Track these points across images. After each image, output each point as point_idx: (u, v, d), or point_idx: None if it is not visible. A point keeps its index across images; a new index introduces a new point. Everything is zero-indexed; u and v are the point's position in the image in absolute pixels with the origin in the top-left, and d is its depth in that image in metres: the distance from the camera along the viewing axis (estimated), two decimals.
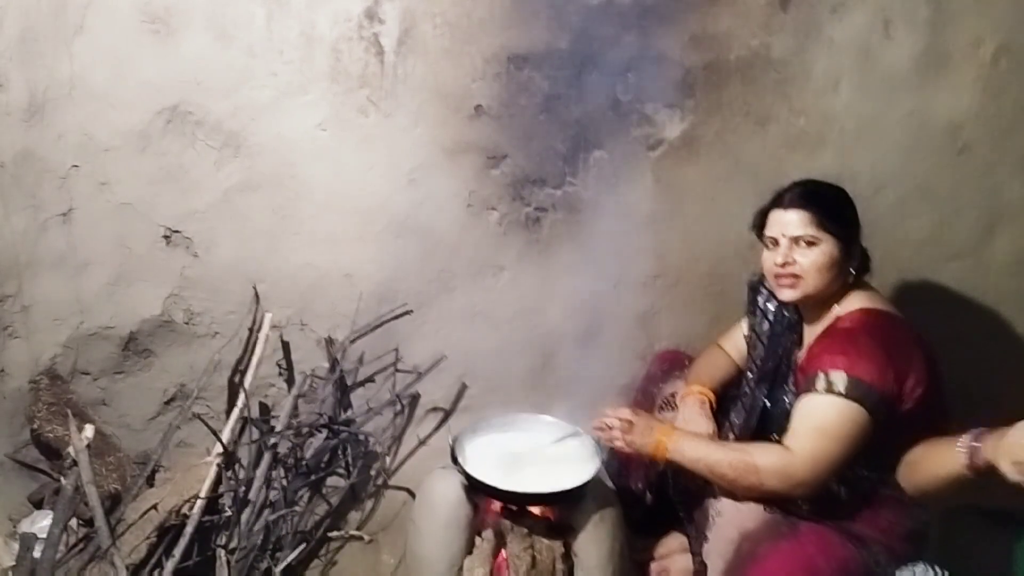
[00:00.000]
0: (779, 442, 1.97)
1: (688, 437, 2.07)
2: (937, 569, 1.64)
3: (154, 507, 2.19)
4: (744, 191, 2.50)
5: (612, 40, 2.44)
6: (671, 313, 2.69)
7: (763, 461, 1.91)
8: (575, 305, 2.66)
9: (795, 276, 2.01)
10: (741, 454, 1.95)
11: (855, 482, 1.99)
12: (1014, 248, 2.72)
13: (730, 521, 2.07)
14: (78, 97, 2.38)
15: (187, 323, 2.59)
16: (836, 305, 2.05)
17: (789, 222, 2.01)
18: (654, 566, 2.44)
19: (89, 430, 2.28)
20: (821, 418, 1.89)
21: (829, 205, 2.02)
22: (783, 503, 2.06)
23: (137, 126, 2.42)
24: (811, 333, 2.11)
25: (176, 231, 2.52)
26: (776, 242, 2.04)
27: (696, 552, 2.12)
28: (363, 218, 2.55)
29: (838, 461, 1.89)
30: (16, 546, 2.28)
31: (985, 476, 1.50)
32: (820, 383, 1.89)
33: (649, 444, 2.07)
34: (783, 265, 2.01)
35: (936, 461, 1.63)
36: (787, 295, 2.05)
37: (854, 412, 1.86)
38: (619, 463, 2.48)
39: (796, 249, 2.00)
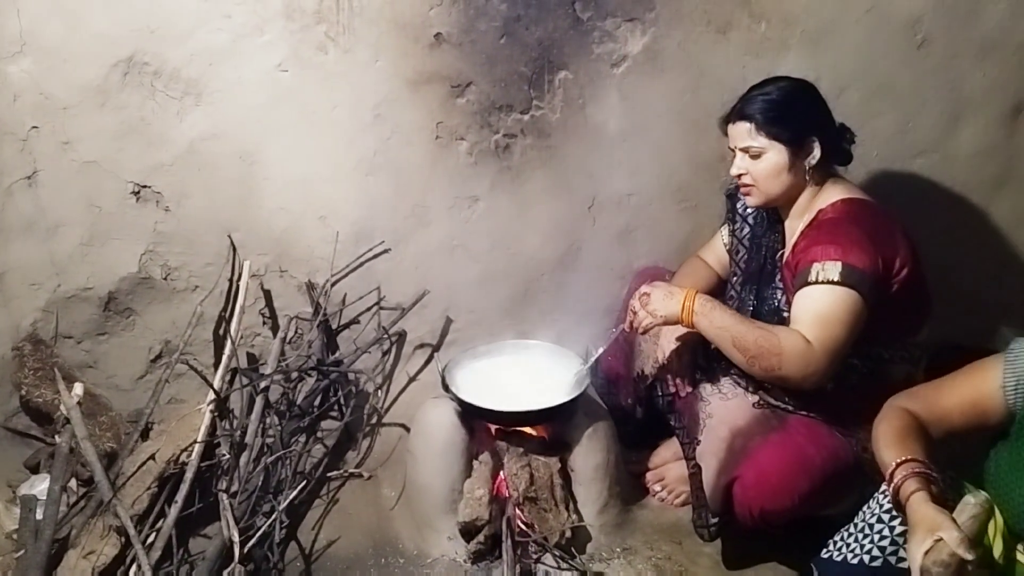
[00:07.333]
0: None
1: (716, 304, 2.04)
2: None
3: (152, 457, 2.20)
4: (710, 102, 2.50)
5: None
6: (648, 230, 2.70)
7: (788, 345, 1.90)
8: (552, 230, 2.65)
9: (749, 185, 2.06)
10: (768, 334, 1.94)
11: (843, 371, 2.00)
12: (978, 140, 2.73)
13: (721, 420, 2.11)
14: (30, 54, 2.32)
15: (165, 278, 2.57)
16: (815, 199, 2.08)
17: (735, 135, 2.06)
18: (650, 475, 2.50)
19: (79, 388, 2.29)
20: (824, 307, 1.90)
21: (770, 110, 2.01)
22: (773, 397, 2.12)
23: (94, 81, 2.36)
24: (792, 229, 2.14)
25: (145, 186, 2.48)
26: (734, 153, 2.08)
27: (690, 457, 2.17)
28: (332, 158, 2.52)
29: (846, 348, 1.92)
30: (17, 511, 2.29)
31: None
32: (815, 274, 1.91)
33: (674, 308, 2.06)
34: (739, 176, 2.07)
35: None
36: (750, 202, 2.12)
37: (852, 298, 1.88)
38: (607, 381, 2.51)
39: (746, 159, 2.05)
